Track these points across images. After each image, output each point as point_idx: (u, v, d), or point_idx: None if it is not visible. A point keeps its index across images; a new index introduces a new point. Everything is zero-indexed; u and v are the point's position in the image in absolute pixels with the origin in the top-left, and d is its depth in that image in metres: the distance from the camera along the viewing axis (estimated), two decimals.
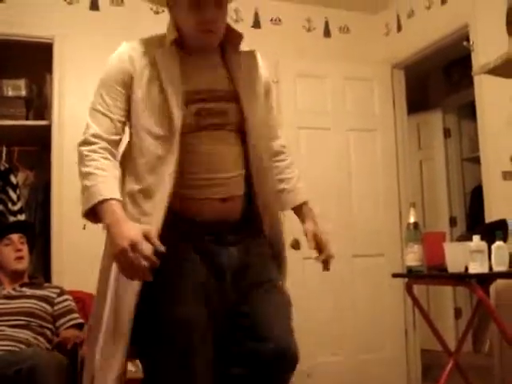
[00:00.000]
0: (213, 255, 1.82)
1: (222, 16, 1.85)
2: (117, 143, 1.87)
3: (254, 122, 1.87)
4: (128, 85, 1.86)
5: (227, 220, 1.84)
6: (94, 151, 1.86)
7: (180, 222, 1.80)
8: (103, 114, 1.89)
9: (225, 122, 1.83)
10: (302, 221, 2.03)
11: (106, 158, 1.83)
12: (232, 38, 1.95)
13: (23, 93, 3.83)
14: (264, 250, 1.93)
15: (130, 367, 2.80)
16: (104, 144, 1.85)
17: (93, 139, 1.89)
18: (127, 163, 1.87)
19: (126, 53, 1.97)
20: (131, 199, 1.82)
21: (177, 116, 1.76)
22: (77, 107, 3.72)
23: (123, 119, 1.87)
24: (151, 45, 1.92)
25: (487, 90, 3.49)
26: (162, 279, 1.70)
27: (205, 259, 1.81)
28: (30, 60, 3.94)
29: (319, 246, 1.96)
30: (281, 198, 2.04)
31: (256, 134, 1.87)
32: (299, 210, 2.05)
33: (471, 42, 3.56)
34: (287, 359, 1.74)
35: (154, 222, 1.72)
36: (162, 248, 1.62)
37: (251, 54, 2.00)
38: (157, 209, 1.75)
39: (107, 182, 1.79)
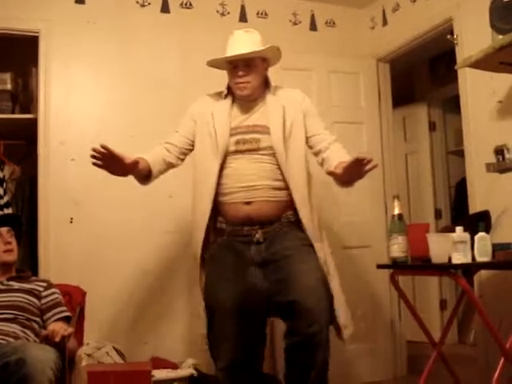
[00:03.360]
0: (240, 251, 2.52)
1: (251, 75, 2.59)
2: (176, 146, 2.74)
3: (279, 147, 2.55)
4: (193, 125, 2.72)
5: (253, 219, 2.52)
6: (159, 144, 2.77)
7: (220, 223, 2.62)
8: (176, 131, 2.78)
9: (258, 148, 2.56)
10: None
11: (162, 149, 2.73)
12: (269, 87, 2.71)
13: (9, 86, 3.82)
14: (290, 243, 2.51)
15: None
16: (167, 145, 2.73)
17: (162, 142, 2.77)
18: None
19: (194, 106, 2.80)
20: (195, 200, 2.68)
21: (221, 145, 2.56)
22: (63, 101, 3.73)
23: (187, 140, 2.74)
24: (214, 97, 2.74)
25: (471, 84, 3.52)
26: (207, 271, 2.59)
27: (235, 254, 2.52)
28: (16, 53, 3.93)
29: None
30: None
31: (282, 155, 2.55)
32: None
33: (455, 36, 3.58)
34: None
35: (206, 217, 2.59)
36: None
37: (287, 94, 2.71)
38: (204, 207, 2.59)
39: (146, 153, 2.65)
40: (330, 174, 2.50)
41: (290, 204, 2.60)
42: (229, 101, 2.68)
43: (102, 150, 2.31)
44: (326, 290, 2.41)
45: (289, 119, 2.62)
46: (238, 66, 2.58)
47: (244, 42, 2.59)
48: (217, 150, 2.58)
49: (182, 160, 2.78)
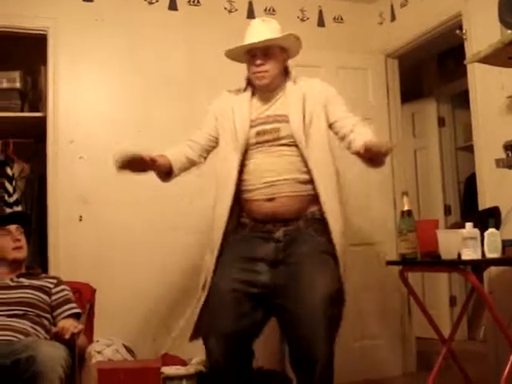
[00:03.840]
0: (255, 247, 2.47)
1: (269, 64, 2.54)
2: (199, 143, 2.70)
3: (298, 134, 2.48)
4: (215, 122, 2.69)
5: (277, 216, 2.46)
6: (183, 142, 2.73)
7: (244, 218, 2.57)
8: (199, 129, 2.73)
9: (277, 137, 2.50)
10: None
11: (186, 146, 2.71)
12: (290, 77, 2.65)
13: (18, 85, 3.83)
14: (308, 249, 2.42)
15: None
16: (190, 142, 2.70)
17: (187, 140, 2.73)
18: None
19: (215, 103, 2.75)
20: (217, 197, 2.59)
21: (241, 138, 2.52)
22: (71, 99, 3.74)
23: (210, 136, 2.69)
24: (234, 93, 2.70)
25: (480, 79, 3.50)
26: (219, 259, 2.51)
27: (248, 247, 2.48)
28: (25, 52, 3.95)
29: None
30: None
31: (302, 142, 2.48)
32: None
33: (464, 31, 3.57)
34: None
35: (226, 212, 2.52)
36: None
37: (307, 83, 2.65)
38: (223, 206, 2.53)
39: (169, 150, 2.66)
40: (356, 154, 2.41)
41: (316, 198, 2.49)
42: (248, 93, 2.64)
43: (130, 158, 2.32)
44: (327, 310, 2.29)
45: (309, 106, 2.56)
46: (255, 55, 2.54)
47: (262, 30, 2.55)
48: (237, 144, 2.53)
49: (205, 158, 2.72)
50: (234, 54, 2.65)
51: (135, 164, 2.37)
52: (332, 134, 2.63)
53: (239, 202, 2.56)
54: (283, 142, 2.50)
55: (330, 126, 2.61)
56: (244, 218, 2.58)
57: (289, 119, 2.51)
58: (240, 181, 2.52)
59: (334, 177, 2.56)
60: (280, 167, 2.48)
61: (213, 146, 2.70)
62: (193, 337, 2.56)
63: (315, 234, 2.47)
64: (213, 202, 2.63)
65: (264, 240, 2.48)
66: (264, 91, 2.62)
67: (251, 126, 2.54)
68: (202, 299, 2.51)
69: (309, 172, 2.48)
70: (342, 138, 2.58)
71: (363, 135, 2.43)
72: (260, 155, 2.52)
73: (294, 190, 2.47)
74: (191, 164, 2.69)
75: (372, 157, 2.31)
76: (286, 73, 2.67)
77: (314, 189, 2.48)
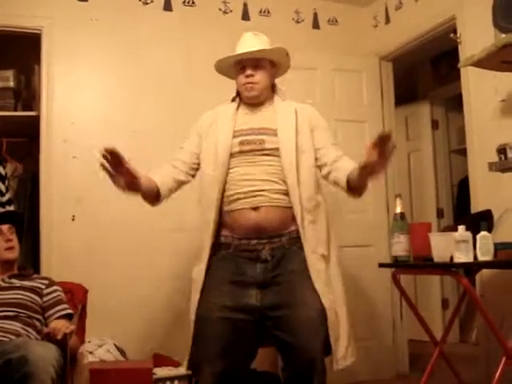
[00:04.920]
0: (243, 269, 2.41)
1: (259, 76, 2.55)
2: (184, 162, 2.63)
3: (286, 148, 2.46)
4: (199, 140, 2.63)
5: (261, 228, 2.41)
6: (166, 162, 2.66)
7: (225, 237, 2.49)
8: (181, 147, 2.67)
9: (262, 148, 2.47)
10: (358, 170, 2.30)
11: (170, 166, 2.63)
12: (278, 93, 2.66)
13: (11, 84, 3.82)
14: (295, 266, 2.40)
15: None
16: (174, 162, 2.63)
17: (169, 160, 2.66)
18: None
19: (197, 122, 2.69)
20: (202, 208, 2.57)
21: (223, 146, 2.49)
22: (65, 98, 3.73)
23: (194, 154, 2.63)
24: (218, 108, 2.66)
25: (473, 83, 3.51)
26: (207, 282, 2.46)
27: (236, 270, 2.42)
28: (18, 51, 3.94)
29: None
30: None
31: (289, 158, 2.45)
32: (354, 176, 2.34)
33: (458, 35, 3.58)
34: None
35: (211, 228, 2.47)
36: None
37: (298, 104, 2.63)
38: (213, 217, 2.47)
39: (155, 172, 2.57)
40: (347, 183, 2.38)
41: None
42: (235, 104, 2.63)
43: (111, 151, 2.22)
44: (323, 324, 2.32)
45: (300, 123, 2.54)
46: (245, 66, 2.54)
47: (253, 42, 2.56)
48: (220, 154, 2.49)
49: (193, 176, 2.65)
50: (223, 66, 2.65)
51: (115, 163, 2.25)
52: None
53: (221, 217, 2.48)
54: (267, 152, 2.47)
55: (314, 151, 2.56)
56: (225, 237, 2.49)
57: (276, 133, 2.49)
58: (223, 190, 2.47)
59: (315, 196, 2.51)
60: (262, 176, 2.44)
61: (198, 163, 2.62)
62: (190, 366, 2.53)
63: (298, 250, 2.44)
64: (200, 208, 2.60)
65: (251, 260, 2.42)
66: (252, 104, 2.61)
67: (234, 136, 2.51)
68: (192, 326, 2.46)
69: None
70: (322, 166, 2.54)
71: (350, 164, 2.41)
72: (242, 165, 2.47)
73: (276, 200, 2.42)
74: (179, 184, 2.63)
75: (372, 167, 2.25)
76: (273, 90, 2.67)
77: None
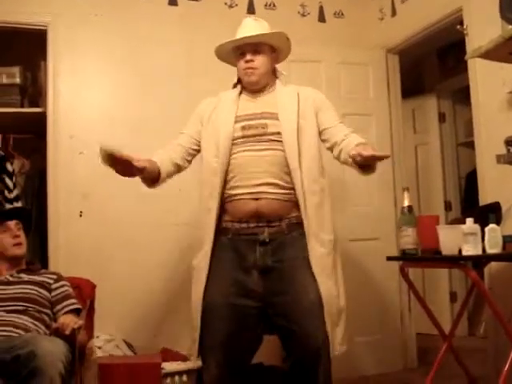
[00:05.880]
0: (243, 253, 2.42)
1: (259, 61, 2.54)
2: (183, 146, 2.65)
3: (287, 132, 2.45)
4: (199, 125, 2.64)
5: (261, 214, 2.41)
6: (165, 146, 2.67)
7: (226, 222, 2.49)
8: (181, 132, 2.69)
9: (265, 133, 2.46)
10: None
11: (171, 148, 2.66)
12: (279, 78, 2.66)
13: (18, 80, 3.83)
14: (297, 253, 2.41)
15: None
16: (174, 146, 2.66)
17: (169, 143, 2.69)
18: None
19: (199, 107, 2.71)
20: (203, 196, 2.56)
21: (224, 131, 2.48)
22: (71, 94, 3.74)
23: (193, 139, 2.65)
24: (220, 95, 2.67)
25: (481, 75, 3.49)
26: (209, 270, 2.46)
27: (237, 256, 2.43)
28: (25, 47, 3.94)
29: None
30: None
31: (291, 141, 2.44)
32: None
33: (465, 26, 3.55)
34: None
35: (213, 216, 2.47)
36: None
37: (300, 87, 2.63)
38: (215, 205, 2.47)
39: (155, 155, 2.58)
40: (351, 159, 2.36)
41: (297, 204, 2.47)
42: (236, 91, 2.63)
43: (110, 152, 2.24)
44: (321, 310, 2.35)
45: (302, 106, 2.54)
46: (245, 51, 2.54)
47: (253, 27, 2.56)
48: (222, 140, 2.48)
49: (189, 162, 2.67)
50: (223, 52, 2.65)
51: (122, 165, 2.30)
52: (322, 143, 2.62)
53: (222, 202, 2.50)
54: (271, 137, 2.47)
55: (321, 132, 2.58)
56: (226, 222, 2.50)
57: (278, 117, 2.49)
58: (226, 177, 2.48)
59: (320, 178, 2.52)
60: (265, 169, 2.44)
61: (196, 149, 2.65)
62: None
63: (299, 236, 2.45)
64: (198, 202, 2.61)
65: (250, 243, 2.43)
66: (252, 89, 2.61)
67: (236, 122, 2.51)
68: (197, 317, 2.46)
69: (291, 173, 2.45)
70: (332, 146, 2.56)
71: (357, 140, 2.44)
72: (245, 154, 2.47)
73: (280, 194, 2.44)
74: (177, 169, 2.64)
75: (364, 162, 2.30)
76: (274, 75, 2.67)
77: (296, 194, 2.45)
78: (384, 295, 4.15)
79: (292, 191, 2.45)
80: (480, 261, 3.12)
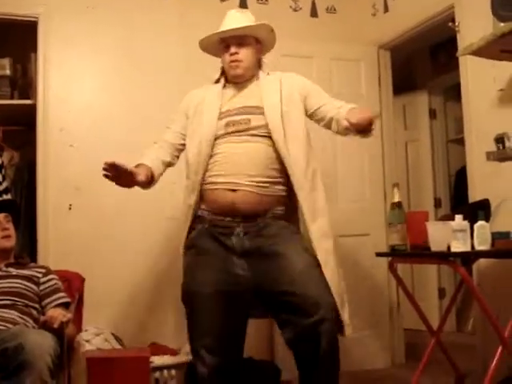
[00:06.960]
0: (221, 240, 2.40)
1: (244, 53, 2.52)
2: (171, 143, 2.64)
3: (273, 122, 2.42)
4: (185, 120, 2.62)
5: (237, 208, 2.37)
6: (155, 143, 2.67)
7: (202, 210, 2.47)
8: (168, 127, 2.67)
9: (247, 128, 2.42)
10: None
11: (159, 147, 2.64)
12: (262, 69, 2.63)
13: (8, 72, 3.81)
14: (276, 231, 2.39)
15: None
16: (162, 143, 2.65)
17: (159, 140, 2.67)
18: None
19: (184, 100, 2.69)
20: (186, 191, 2.53)
21: (208, 128, 2.46)
22: (62, 86, 3.72)
23: (180, 135, 2.62)
24: (204, 88, 2.65)
25: (472, 72, 3.50)
26: (186, 258, 2.50)
27: (217, 243, 2.40)
28: (15, 39, 3.92)
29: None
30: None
31: (277, 127, 2.42)
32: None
33: (457, 23, 3.56)
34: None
35: (191, 212, 2.47)
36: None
37: (283, 74, 2.61)
38: (194, 199, 2.46)
39: (145, 156, 2.57)
40: (347, 128, 2.33)
41: (281, 199, 2.45)
42: (220, 85, 2.60)
43: (113, 165, 2.26)
44: (320, 275, 2.31)
45: (286, 95, 2.50)
46: (230, 44, 2.52)
47: (237, 19, 2.53)
48: (205, 138, 2.46)
49: (178, 157, 2.66)
50: (208, 44, 2.62)
51: (124, 178, 2.33)
52: (314, 126, 2.61)
53: (200, 191, 2.47)
54: (254, 132, 2.43)
55: (313, 113, 2.56)
56: (202, 211, 2.47)
57: (263, 110, 2.45)
58: (207, 171, 2.44)
59: (311, 171, 2.48)
60: (247, 162, 2.40)
61: (183, 144, 2.61)
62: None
63: (277, 221, 2.43)
64: (184, 191, 2.57)
65: (226, 236, 2.40)
66: (237, 82, 2.58)
67: (220, 118, 2.47)
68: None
69: (278, 169, 2.43)
70: (329, 123, 2.53)
71: (347, 109, 2.42)
72: (227, 147, 2.43)
73: (257, 188, 2.38)
74: (167, 167, 2.63)
75: (359, 128, 2.26)
76: (259, 66, 2.64)
77: (282, 190, 2.45)
78: (373, 291, 4.16)
79: (277, 186, 2.43)
80: (469, 257, 3.13)
